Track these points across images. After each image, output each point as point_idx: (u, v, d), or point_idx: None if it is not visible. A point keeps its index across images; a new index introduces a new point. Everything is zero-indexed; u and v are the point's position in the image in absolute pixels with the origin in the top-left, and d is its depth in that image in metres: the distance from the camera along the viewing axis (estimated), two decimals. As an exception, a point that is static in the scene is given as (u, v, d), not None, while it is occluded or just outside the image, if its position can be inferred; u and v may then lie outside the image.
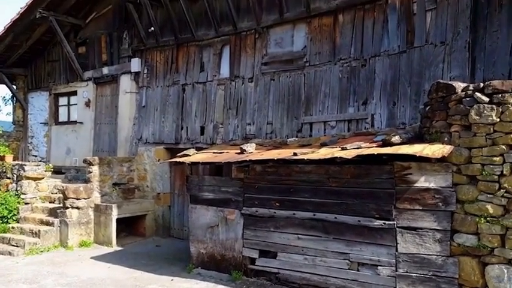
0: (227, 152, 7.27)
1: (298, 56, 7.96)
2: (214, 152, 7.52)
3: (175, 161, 7.33)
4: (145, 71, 10.35)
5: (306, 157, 5.53)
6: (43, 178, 10.08)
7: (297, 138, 7.44)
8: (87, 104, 11.63)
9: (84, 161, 9.51)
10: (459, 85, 4.84)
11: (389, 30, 6.99)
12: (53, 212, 9.22)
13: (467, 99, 4.63)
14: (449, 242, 4.87)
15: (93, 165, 9.32)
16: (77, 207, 8.87)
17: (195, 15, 9.36)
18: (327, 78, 7.57)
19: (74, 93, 12.07)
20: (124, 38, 10.84)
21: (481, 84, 4.61)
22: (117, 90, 10.92)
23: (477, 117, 4.53)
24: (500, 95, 4.36)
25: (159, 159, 9.88)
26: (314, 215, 5.87)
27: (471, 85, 4.73)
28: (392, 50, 6.93)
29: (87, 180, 9.40)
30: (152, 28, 9.88)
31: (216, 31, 9.00)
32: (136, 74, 10.50)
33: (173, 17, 9.49)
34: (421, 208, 5.03)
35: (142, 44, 10.29)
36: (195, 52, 9.49)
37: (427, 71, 6.57)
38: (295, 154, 5.77)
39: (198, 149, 8.41)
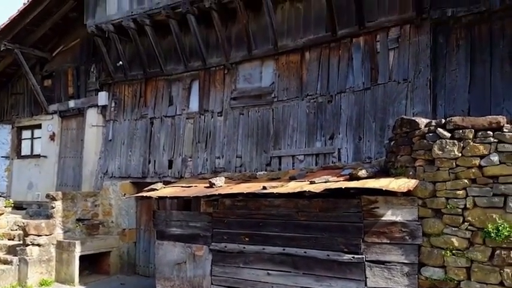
0: (196, 186, 7.22)
1: (266, 92, 8.10)
2: (182, 186, 7.45)
3: (142, 196, 7.22)
4: (113, 105, 10.27)
5: (275, 191, 5.55)
6: (2, 214, 9.70)
7: (266, 172, 7.48)
8: (52, 137, 11.39)
9: (47, 196, 9.23)
10: (422, 121, 5.01)
11: (354, 67, 7.22)
12: (12, 250, 8.83)
13: (430, 134, 4.79)
14: (417, 276, 4.92)
15: (56, 200, 9.05)
16: (38, 244, 8.54)
17: (164, 50, 9.42)
18: (295, 113, 7.70)
19: (38, 126, 11.81)
20: (91, 71, 10.78)
21: (443, 120, 4.79)
22: (83, 124, 10.76)
23: (440, 152, 4.68)
24: (461, 131, 4.54)
25: (124, 194, 9.68)
26: (284, 249, 5.84)
27: (433, 121, 4.91)
28: (357, 87, 7.14)
29: (49, 216, 9.09)
30: (121, 62, 9.87)
31: (185, 66, 9.07)
32: (104, 107, 10.39)
33: (142, 51, 9.52)
34: (388, 242, 5.09)
35: (110, 78, 10.24)
36: (164, 86, 9.51)
37: (390, 107, 6.79)
38: (264, 188, 5.79)
39: (166, 183, 8.33)
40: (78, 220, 9.35)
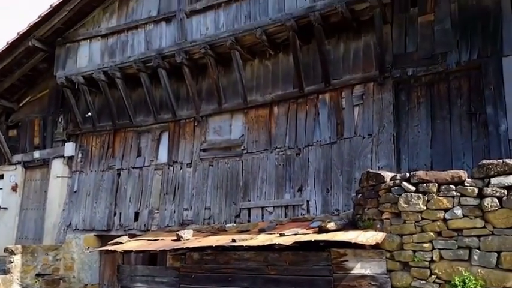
0: (162, 239, 7.10)
1: (236, 144, 8.20)
2: (148, 239, 7.31)
3: (106, 249, 7.04)
4: (80, 156, 10.13)
5: (244, 244, 5.53)
6: (-44, 269, 9.19)
7: (235, 224, 7.44)
8: (14, 188, 11.04)
9: (5, 249, 8.84)
10: (387, 174, 5.17)
11: (321, 122, 7.45)
12: (-36, 308, 8.33)
13: (396, 188, 4.94)
14: (386, 329, 4.91)
15: (15, 254, 8.67)
16: (-6, 302, 8.10)
17: (134, 102, 9.49)
18: (264, 165, 7.80)
19: (0, 177, 11.45)
20: (59, 122, 10.67)
21: (407, 174, 4.96)
22: (47, 175, 10.52)
23: (406, 205, 4.81)
24: (425, 185, 4.71)
25: (88, 248, 9.38)
26: (253, 304, 5.74)
27: (398, 175, 5.08)
28: (324, 141, 7.34)
29: (6, 271, 8.67)
30: (89, 113, 9.84)
31: (155, 118, 9.13)
32: (70, 158, 10.24)
33: (112, 103, 9.55)
34: (358, 295, 5.09)
35: (78, 129, 10.16)
36: (133, 137, 9.49)
37: (356, 160, 6.98)
38: (233, 241, 5.75)
39: (132, 236, 8.15)
40: (38, 275, 8.96)
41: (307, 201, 7.23)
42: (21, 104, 11.46)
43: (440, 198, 4.59)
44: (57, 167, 10.33)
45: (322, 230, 5.45)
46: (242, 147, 8.11)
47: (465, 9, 6.62)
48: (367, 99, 7.13)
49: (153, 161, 9.12)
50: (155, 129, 9.24)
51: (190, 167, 8.62)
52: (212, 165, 8.36)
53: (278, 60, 8.08)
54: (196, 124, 8.74)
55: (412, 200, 4.78)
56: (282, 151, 7.70)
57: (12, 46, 10.02)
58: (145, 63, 8.81)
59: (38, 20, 9.55)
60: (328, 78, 7.38)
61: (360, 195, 5.49)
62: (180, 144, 8.85)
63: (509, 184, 4.39)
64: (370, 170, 5.43)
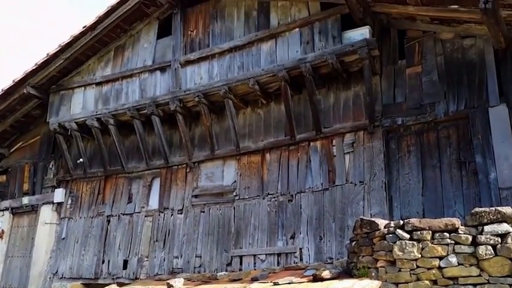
0: (153, 288, 6.97)
1: (228, 190, 8.22)
2: (138, 288, 7.17)
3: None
4: (69, 202, 10.04)
5: (238, 293, 5.45)
6: None
7: (227, 273, 7.33)
8: (0, 235, 10.83)
9: (-11, 299, 8.59)
10: (381, 222, 5.21)
11: (313, 169, 7.53)
12: None
13: (390, 235, 4.96)
14: None
15: (-2, 304, 8.42)
16: None
17: (126, 148, 9.54)
18: (256, 212, 7.80)
19: (-14, 223, 11.26)
20: (50, 168, 10.64)
21: (401, 222, 5.00)
22: (36, 221, 10.36)
23: (400, 253, 4.83)
24: (419, 232, 4.74)
25: (74, 296, 9.15)
26: None
27: (392, 222, 5.12)
28: (316, 187, 7.40)
29: (-11, 322, 8.39)
30: (81, 159, 9.84)
31: (147, 164, 9.16)
32: (59, 204, 10.13)
33: (104, 149, 9.58)
34: None
35: (69, 175, 10.12)
36: (124, 183, 9.47)
37: (349, 207, 7.03)
38: (226, 290, 5.67)
39: (120, 285, 7.99)
40: (21, 326, 8.66)
41: (300, 249, 7.19)
42: (12, 150, 11.45)
43: (435, 246, 4.62)
44: (46, 213, 10.21)
45: (316, 278, 5.41)
46: (234, 194, 8.12)
47: (451, 62, 6.91)
48: (357, 147, 7.26)
49: (143, 207, 9.06)
50: (147, 175, 9.24)
51: (181, 213, 8.58)
52: (204, 212, 8.33)
53: (270, 108, 8.26)
54: (188, 170, 8.77)
55: (407, 247, 4.80)
56: (274, 197, 7.72)
57: (7, 93, 10.13)
58: (139, 111, 8.92)
59: (34, 67, 9.70)
60: (319, 127, 7.53)
61: (354, 242, 5.49)
62: (171, 190, 8.84)
63: (503, 232, 4.45)
64: (364, 217, 5.46)
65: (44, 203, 10.34)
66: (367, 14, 7.13)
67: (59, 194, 10.11)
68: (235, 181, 8.21)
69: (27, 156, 11.18)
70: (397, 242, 4.87)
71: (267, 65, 7.81)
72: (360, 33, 7.19)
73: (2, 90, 10.09)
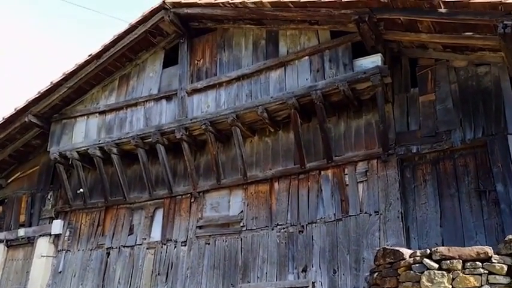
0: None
1: (234, 220, 7.93)
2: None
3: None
4: (68, 234, 9.67)
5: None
6: None
7: (234, 308, 6.97)
8: (-7, 269, 10.39)
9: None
10: (406, 251, 4.93)
11: (324, 199, 7.28)
12: None
13: (417, 265, 4.68)
14: None
15: None
16: None
17: (128, 178, 9.28)
18: (265, 243, 7.48)
19: (-21, 257, 10.81)
20: (48, 198, 10.32)
21: (428, 251, 4.73)
22: (31, 254, 9.95)
23: (429, 284, 4.53)
24: (448, 261, 4.47)
25: (70, 335, 8.66)
26: None
27: (418, 251, 4.84)
28: (328, 218, 7.12)
29: None
30: (81, 190, 9.53)
31: (150, 194, 8.87)
32: (57, 236, 9.76)
33: (105, 179, 9.31)
34: None
35: (68, 206, 9.80)
36: (125, 214, 9.15)
37: (364, 239, 6.74)
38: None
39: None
40: None
41: (313, 283, 6.84)
42: (9, 180, 11.13)
43: (467, 276, 4.34)
44: (43, 245, 9.81)
45: (335, 312, 5.08)
46: (241, 224, 7.82)
47: (466, 89, 6.80)
48: (371, 176, 7.04)
49: (145, 239, 8.71)
50: (149, 205, 8.94)
51: (185, 245, 8.23)
52: (209, 243, 8.00)
53: (278, 137, 8.08)
54: (192, 200, 8.49)
55: (436, 278, 4.51)
56: (283, 228, 7.43)
57: (8, 121, 9.92)
58: (144, 139, 8.71)
59: (37, 95, 9.54)
60: (330, 155, 7.34)
61: (376, 274, 5.19)
62: (175, 221, 8.53)
63: (541, 261, 4.21)
64: (387, 247, 5.19)
65: (40, 235, 9.95)
66: (378, 41, 7.07)
67: (57, 226, 9.75)
68: (242, 211, 7.93)
69: (24, 187, 10.86)
70: (425, 272, 4.59)
71: (276, 92, 7.68)
72: (371, 61, 7.11)
73: (3, 118, 9.89)
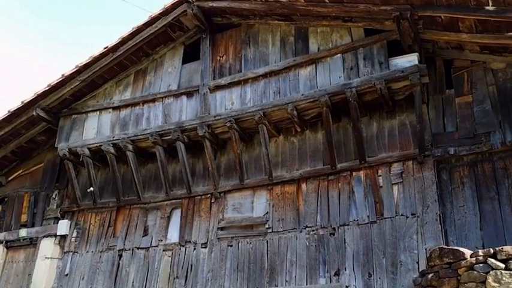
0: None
1: (259, 222, 7.63)
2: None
3: None
4: (75, 234, 9.21)
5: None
6: None
7: (264, 313, 6.65)
8: (-9, 271, 9.82)
9: None
10: (466, 251, 4.74)
11: (357, 200, 7.05)
12: None
13: (480, 265, 4.49)
14: None
15: None
16: None
17: (143, 177, 8.90)
18: (293, 246, 7.19)
19: (-24, 258, 10.22)
20: (53, 197, 9.84)
21: (492, 250, 4.54)
22: (34, 256, 9.43)
23: (496, 285, 4.34)
24: (516, 261, 4.30)
25: None
26: None
27: (480, 251, 4.66)
28: (362, 220, 6.88)
29: None
30: (91, 188, 9.09)
31: (167, 194, 8.50)
32: (63, 237, 9.28)
33: (118, 177, 8.91)
34: None
35: (76, 205, 9.33)
36: (139, 215, 8.75)
37: (401, 242, 6.51)
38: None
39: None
40: None
41: (347, 287, 6.58)
42: (10, 178, 10.61)
43: (541, 275, 4.16)
44: (47, 247, 9.31)
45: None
46: (266, 226, 7.52)
47: (505, 91, 6.69)
48: (407, 177, 6.84)
49: (161, 240, 8.32)
50: (165, 206, 8.56)
51: (205, 247, 7.88)
52: (231, 245, 7.67)
53: (305, 137, 7.84)
54: (213, 201, 8.16)
55: (504, 278, 4.32)
56: (313, 230, 7.16)
57: (14, 115, 9.43)
58: (162, 136, 8.37)
59: (47, 88, 9.09)
60: (364, 156, 7.12)
61: (432, 275, 4.97)
62: (194, 222, 8.17)
63: None
64: (444, 246, 4.98)
65: (44, 236, 9.45)
66: (415, 41, 6.94)
67: (64, 226, 9.28)
68: (267, 212, 7.63)
69: (27, 185, 10.35)
70: (491, 272, 4.40)
71: (306, 90, 7.46)
72: (408, 60, 6.95)
73: (9, 111, 9.41)
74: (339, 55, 7.47)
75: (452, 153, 6.71)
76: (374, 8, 6.86)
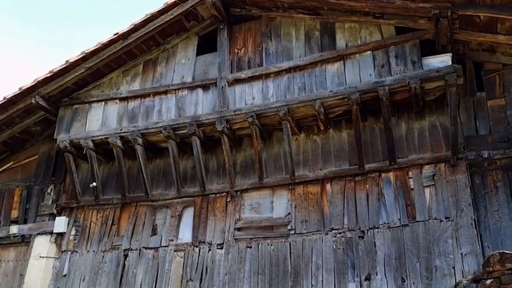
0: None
1: (280, 223, 7.30)
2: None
3: None
4: (73, 232, 8.62)
5: None
6: None
7: (293, 319, 6.32)
8: (-22, 270, 9.08)
9: None
10: (532, 256, 4.57)
11: (387, 203, 6.83)
12: None
13: (550, 271, 4.32)
14: None
15: None
16: None
17: (151, 173, 8.41)
18: (318, 249, 6.90)
19: (-41, 256, 9.44)
20: (48, 192, 9.18)
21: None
22: (26, 255, 8.77)
23: None
24: None
25: None
26: None
27: (548, 256, 4.49)
28: (393, 223, 6.66)
29: None
30: (94, 184, 8.51)
31: (178, 191, 8.05)
32: (60, 235, 8.66)
33: (124, 172, 8.38)
34: None
35: (75, 201, 8.73)
36: (146, 213, 8.25)
37: (435, 246, 6.32)
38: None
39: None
40: None
41: (379, 292, 6.35)
42: (-1, 170, 9.89)
43: None
44: (42, 245, 8.67)
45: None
46: (289, 227, 7.20)
47: (539, 95, 6.63)
48: (439, 180, 6.67)
49: (172, 240, 7.87)
50: (176, 204, 8.11)
51: (221, 248, 7.49)
52: (250, 247, 7.31)
53: (328, 135, 7.57)
54: (229, 199, 7.77)
55: None
56: (340, 233, 6.89)
57: (10, 102, 8.76)
58: (176, 130, 7.93)
59: (49, 75, 8.50)
60: (394, 157, 6.91)
61: (491, 281, 4.77)
62: (208, 221, 7.76)
63: None
64: (506, 251, 4.79)
65: (39, 233, 8.79)
66: (449, 41, 6.79)
67: (61, 223, 8.66)
68: (289, 213, 7.31)
69: (18, 179, 9.65)
70: None
71: (334, 86, 7.19)
72: (441, 60, 6.80)
73: (5, 98, 8.73)
74: (368, 52, 7.24)
75: (486, 156, 6.58)
76: (412, 5, 6.67)
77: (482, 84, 7.06)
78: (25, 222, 9.13)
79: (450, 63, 6.70)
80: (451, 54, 6.79)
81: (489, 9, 6.23)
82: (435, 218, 6.48)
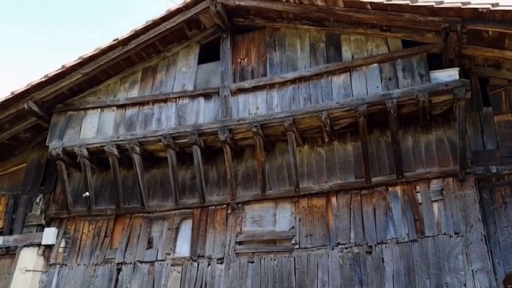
0: None
1: (284, 237, 7.08)
2: None
3: None
4: (63, 244, 8.21)
5: None
6: None
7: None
8: (-42, 284, 8.57)
9: None
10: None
11: (395, 217, 6.69)
12: None
13: None
14: None
15: None
16: None
17: (147, 183, 8.12)
18: (324, 264, 6.69)
19: None
20: (37, 202, 8.79)
21: None
22: (11, 268, 8.32)
23: None
24: None
25: None
26: None
27: None
28: (401, 238, 6.51)
29: None
30: (87, 193, 8.15)
31: (176, 203, 7.77)
32: (48, 247, 8.25)
33: (119, 182, 8.07)
34: None
35: (66, 211, 8.36)
36: (142, 225, 7.93)
37: (445, 262, 6.18)
38: None
39: None
40: None
41: (389, 308, 6.16)
42: (-16, 178, 9.44)
43: None
44: (28, 258, 8.23)
45: None
46: (293, 242, 6.99)
47: (548, 111, 6.65)
48: (447, 194, 6.57)
49: (169, 254, 7.55)
50: (173, 215, 7.82)
51: (221, 262, 7.21)
52: (252, 262, 7.05)
53: (333, 147, 7.43)
54: (229, 212, 7.53)
55: None
56: (346, 248, 6.70)
57: (1, 106, 8.40)
58: (176, 139, 7.69)
59: (43, 79, 8.20)
60: (401, 170, 6.80)
61: (514, 297, 4.64)
62: (207, 234, 7.49)
63: None
64: (530, 267, 4.67)
65: (25, 245, 8.36)
66: (456, 55, 6.78)
67: (50, 235, 8.25)
68: (293, 227, 7.10)
69: (4, 187, 9.21)
70: None
71: (341, 98, 7.09)
72: (448, 75, 6.78)
73: (-4, 102, 8.38)
74: (375, 64, 7.18)
75: (494, 171, 6.53)
76: (421, 18, 6.65)
77: (487, 99, 7.05)
78: (11, 233, 8.69)
79: (458, 77, 6.68)
80: (458, 68, 6.78)
81: (499, 24, 6.23)
82: (444, 234, 6.35)
